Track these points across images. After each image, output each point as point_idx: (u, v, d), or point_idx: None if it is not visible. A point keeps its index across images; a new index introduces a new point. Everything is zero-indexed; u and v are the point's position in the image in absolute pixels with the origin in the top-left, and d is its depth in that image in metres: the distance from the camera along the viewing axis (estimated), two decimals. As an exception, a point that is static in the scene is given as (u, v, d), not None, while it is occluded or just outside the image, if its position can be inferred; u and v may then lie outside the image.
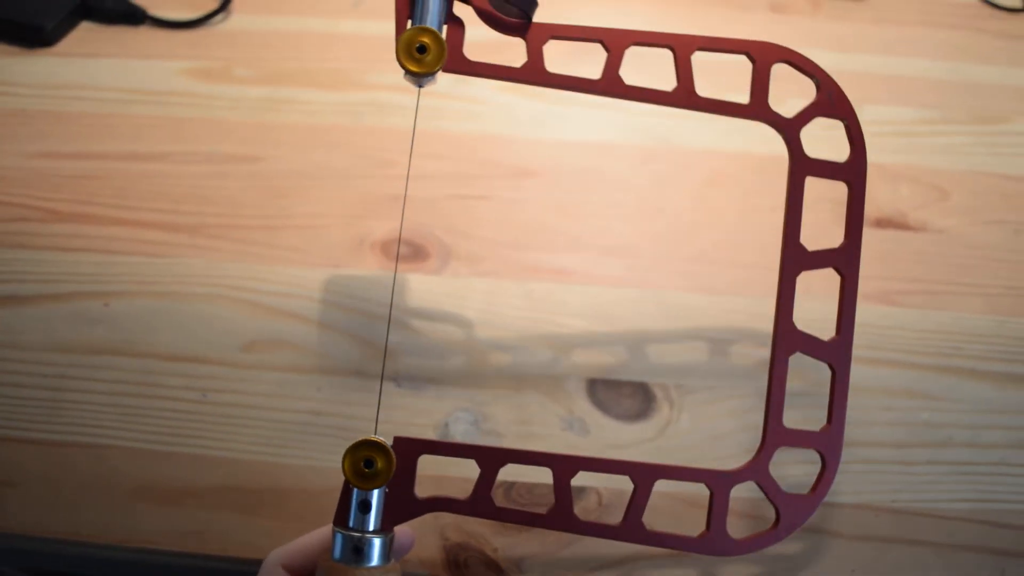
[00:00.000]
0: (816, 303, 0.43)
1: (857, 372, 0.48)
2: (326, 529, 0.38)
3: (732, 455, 0.46)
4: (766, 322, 0.50)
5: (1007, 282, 0.54)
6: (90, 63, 0.62)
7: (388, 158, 0.57)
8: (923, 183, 0.58)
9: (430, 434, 0.46)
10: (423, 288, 0.51)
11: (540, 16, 0.39)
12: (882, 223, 0.56)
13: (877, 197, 0.57)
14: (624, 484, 0.39)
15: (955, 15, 0.71)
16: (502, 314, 0.51)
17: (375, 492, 0.36)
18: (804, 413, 0.44)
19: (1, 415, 0.46)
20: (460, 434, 0.46)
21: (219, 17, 0.65)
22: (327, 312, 0.50)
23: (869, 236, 0.55)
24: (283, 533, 0.43)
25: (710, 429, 0.47)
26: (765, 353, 0.49)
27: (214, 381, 0.47)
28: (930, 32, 0.70)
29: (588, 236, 0.55)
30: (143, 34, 0.64)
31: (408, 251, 0.53)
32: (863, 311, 0.51)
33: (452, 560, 0.42)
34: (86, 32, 0.64)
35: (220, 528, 0.43)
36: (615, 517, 0.43)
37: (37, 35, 0.62)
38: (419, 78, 0.38)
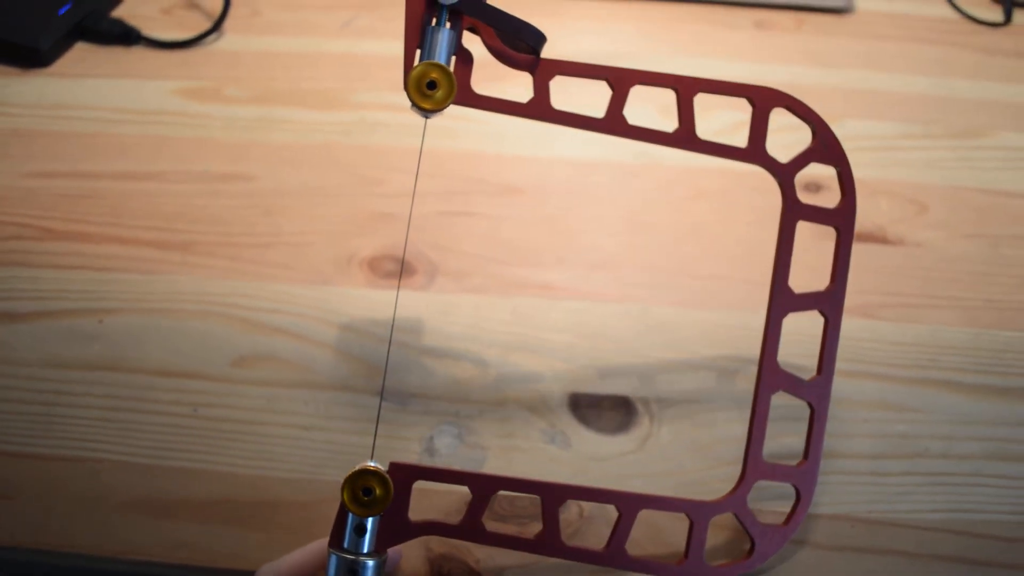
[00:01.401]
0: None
1: (835, 384, 0.49)
2: (316, 545, 0.39)
3: (710, 467, 0.47)
4: (747, 336, 0.52)
5: (984, 295, 0.55)
6: (85, 83, 0.63)
7: (377, 176, 0.58)
8: (902, 197, 0.59)
9: (415, 447, 0.47)
10: (410, 304, 0.52)
11: (541, 29, 0.40)
12: (861, 237, 0.57)
13: (856, 211, 0.58)
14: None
15: (936, 30, 0.72)
16: (488, 329, 0.52)
17: (371, 517, 0.37)
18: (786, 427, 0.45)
19: (-4, 430, 0.47)
20: (445, 447, 0.47)
21: (211, 38, 0.66)
22: (316, 328, 0.51)
23: (848, 250, 0.56)
24: (273, 545, 0.44)
25: (689, 442, 0.48)
26: (745, 368, 0.51)
27: (205, 396, 0.48)
28: (911, 47, 0.71)
29: (573, 252, 0.56)
30: (137, 55, 0.65)
31: (396, 267, 0.54)
32: (842, 324, 0.52)
33: (436, 571, 0.43)
34: (81, 53, 0.65)
35: (211, 540, 0.44)
36: (595, 529, 0.44)
37: (32, 56, 0.63)
38: (427, 113, 0.39)
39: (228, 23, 0.67)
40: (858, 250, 0.56)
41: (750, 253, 0.55)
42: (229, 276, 0.53)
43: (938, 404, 0.50)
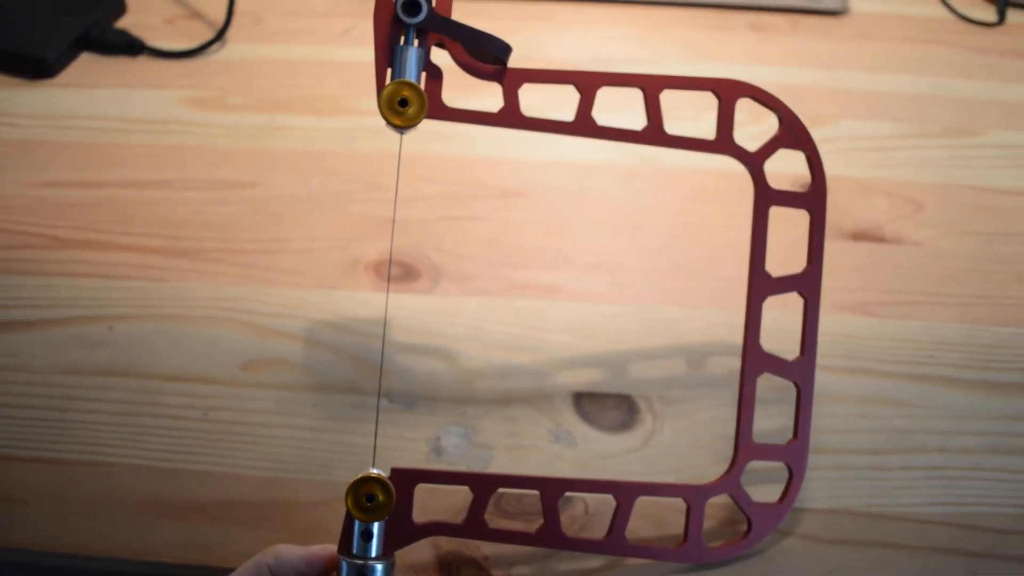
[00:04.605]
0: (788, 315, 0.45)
1: (834, 381, 0.50)
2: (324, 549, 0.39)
3: (712, 463, 0.47)
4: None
5: (979, 291, 0.55)
6: (90, 93, 0.64)
7: (380, 182, 0.59)
8: (898, 196, 0.60)
9: (422, 448, 0.48)
10: (415, 307, 0.53)
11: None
12: (858, 236, 0.58)
13: (853, 211, 0.59)
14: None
15: (931, 30, 0.73)
16: (491, 331, 0.52)
17: (376, 522, 0.38)
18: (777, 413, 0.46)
19: (10, 435, 0.48)
20: (452, 447, 0.48)
21: (215, 47, 0.67)
22: (322, 332, 0.52)
23: (846, 249, 0.57)
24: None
25: (691, 439, 0.49)
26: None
27: (215, 400, 0.49)
28: (906, 48, 0.72)
29: (573, 253, 0.56)
30: (141, 64, 0.66)
31: (400, 271, 0.55)
32: (841, 322, 0.53)
33: (444, 567, 0.43)
34: (86, 63, 0.66)
35: (224, 541, 0.45)
36: (601, 523, 0.45)
37: (39, 66, 0.64)
38: (401, 129, 0.40)
39: (231, 32, 0.68)
40: (856, 248, 0.57)
41: (744, 253, 0.55)
42: (237, 282, 0.54)
43: (935, 399, 0.50)
